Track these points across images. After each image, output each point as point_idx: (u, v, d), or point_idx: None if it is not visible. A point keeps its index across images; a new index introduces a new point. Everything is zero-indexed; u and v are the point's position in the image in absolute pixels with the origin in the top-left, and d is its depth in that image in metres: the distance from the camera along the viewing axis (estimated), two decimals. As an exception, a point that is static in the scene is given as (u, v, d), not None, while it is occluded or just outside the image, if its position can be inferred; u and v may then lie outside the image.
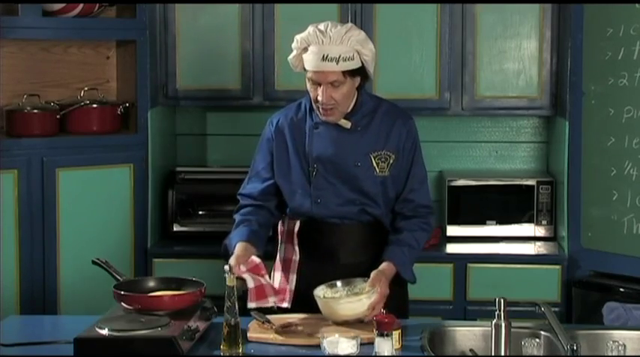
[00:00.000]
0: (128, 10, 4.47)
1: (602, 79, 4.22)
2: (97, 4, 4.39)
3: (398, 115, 3.36)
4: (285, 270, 3.39)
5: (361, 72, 3.24)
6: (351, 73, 3.19)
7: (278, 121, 3.41)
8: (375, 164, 3.30)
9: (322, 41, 3.17)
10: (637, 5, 4.10)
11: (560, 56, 4.48)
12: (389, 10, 4.54)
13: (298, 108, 3.41)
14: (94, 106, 4.40)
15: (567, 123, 4.35)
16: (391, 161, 3.31)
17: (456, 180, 4.65)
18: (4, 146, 4.10)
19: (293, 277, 3.37)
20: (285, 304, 3.29)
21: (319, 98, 3.21)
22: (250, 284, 3.09)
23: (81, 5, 4.30)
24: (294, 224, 3.38)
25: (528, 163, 4.91)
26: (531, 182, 4.61)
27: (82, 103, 4.39)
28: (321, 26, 3.19)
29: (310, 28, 3.21)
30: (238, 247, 3.22)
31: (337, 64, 3.15)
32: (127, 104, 4.47)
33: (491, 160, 4.92)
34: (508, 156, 4.92)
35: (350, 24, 3.26)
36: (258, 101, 4.61)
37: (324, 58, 3.16)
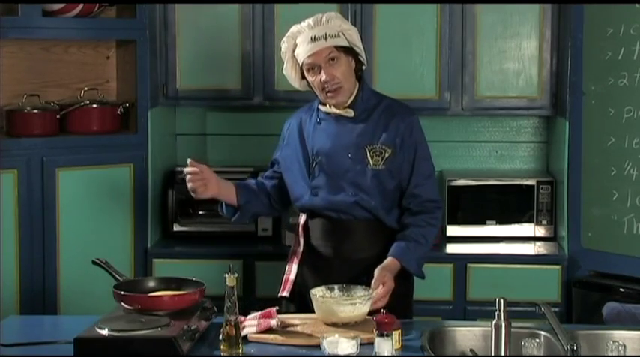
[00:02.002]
0: (128, 10, 4.47)
1: (602, 79, 4.22)
2: (97, 4, 4.39)
3: (398, 110, 3.41)
4: (291, 261, 3.47)
5: (352, 53, 3.34)
6: (343, 50, 3.31)
7: (290, 124, 3.56)
8: (369, 157, 3.35)
9: (305, 29, 3.34)
10: (637, 5, 4.10)
11: (560, 56, 4.48)
12: (389, 10, 4.54)
13: (309, 108, 3.55)
14: (94, 106, 4.41)
15: (567, 123, 4.35)
16: (386, 155, 3.34)
17: (456, 180, 4.65)
18: (4, 146, 4.10)
19: (294, 268, 3.44)
20: (285, 293, 3.40)
21: (323, 78, 3.31)
22: (253, 329, 3.06)
23: (81, 5, 4.30)
24: (301, 217, 3.48)
25: (528, 163, 4.91)
26: (531, 182, 4.61)
27: (82, 103, 4.39)
28: (299, 24, 3.39)
29: (289, 32, 3.40)
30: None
31: (326, 40, 3.30)
32: (127, 104, 4.47)
33: (491, 160, 4.93)
34: (508, 156, 4.92)
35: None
36: (258, 101, 4.61)
37: (313, 40, 3.30)
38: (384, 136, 3.36)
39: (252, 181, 3.58)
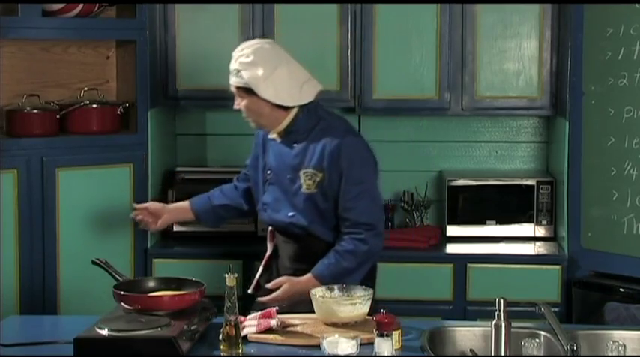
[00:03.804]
0: (128, 10, 4.47)
1: (602, 79, 4.22)
2: (97, 4, 4.39)
3: (329, 133, 3.43)
4: (261, 261, 3.64)
5: (255, 92, 3.39)
6: (243, 89, 3.39)
7: (257, 134, 3.64)
8: (302, 181, 3.43)
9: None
10: (637, 5, 4.10)
11: (560, 56, 4.48)
12: (389, 10, 4.54)
13: None
14: (94, 106, 4.40)
15: (567, 123, 4.35)
16: (317, 179, 3.40)
17: (456, 180, 4.65)
18: (4, 146, 4.10)
19: (260, 269, 3.61)
20: (250, 290, 3.62)
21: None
22: (253, 329, 3.06)
23: (81, 5, 4.30)
24: None
25: (528, 163, 4.91)
26: (531, 182, 4.61)
27: (82, 103, 4.39)
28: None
29: None
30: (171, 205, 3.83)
31: (232, 77, 3.42)
32: (127, 104, 4.47)
33: (491, 160, 4.92)
34: (508, 156, 4.91)
35: (260, 45, 3.44)
36: (258, 101, 4.60)
37: (229, 70, 3.43)
38: (314, 160, 3.41)
39: (215, 193, 3.76)
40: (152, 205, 3.78)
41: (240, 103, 3.44)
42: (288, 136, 3.46)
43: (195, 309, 3.05)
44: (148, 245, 4.48)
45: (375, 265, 3.54)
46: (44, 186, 4.18)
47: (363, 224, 3.38)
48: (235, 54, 3.42)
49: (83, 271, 4.05)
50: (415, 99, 4.58)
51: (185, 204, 3.76)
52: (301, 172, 3.42)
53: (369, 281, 3.42)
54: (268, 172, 3.53)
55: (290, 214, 3.46)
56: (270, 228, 3.59)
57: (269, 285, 3.40)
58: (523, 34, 4.53)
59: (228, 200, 3.74)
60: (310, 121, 3.44)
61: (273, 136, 3.49)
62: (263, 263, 3.61)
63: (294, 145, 3.45)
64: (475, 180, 4.66)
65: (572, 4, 4.31)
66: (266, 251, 3.61)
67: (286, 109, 3.42)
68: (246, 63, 3.37)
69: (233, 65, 3.40)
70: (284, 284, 3.36)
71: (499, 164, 4.92)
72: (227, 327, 2.82)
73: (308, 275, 3.36)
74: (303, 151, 3.43)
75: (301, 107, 3.43)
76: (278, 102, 3.38)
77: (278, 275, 3.47)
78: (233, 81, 3.41)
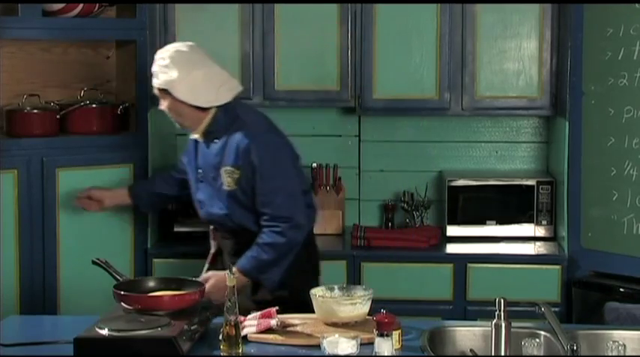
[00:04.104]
0: (128, 10, 4.47)
1: (602, 79, 4.22)
2: (97, 4, 4.39)
3: (242, 131, 3.57)
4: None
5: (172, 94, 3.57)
6: (163, 91, 3.57)
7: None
8: (223, 178, 3.60)
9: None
10: (637, 5, 4.10)
11: (560, 56, 4.48)
12: (389, 10, 4.54)
13: None
14: (94, 106, 4.40)
15: (567, 123, 4.35)
16: (236, 176, 3.57)
17: (456, 180, 4.65)
18: (4, 146, 4.10)
19: (206, 266, 3.79)
20: None
21: None
22: (253, 329, 3.06)
23: (81, 5, 4.30)
24: None
25: (528, 163, 4.91)
26: (531, 182, 4.61)
27: (82, 103, 4.38)
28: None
29: None
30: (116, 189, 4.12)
31: (153, 78, 3.60)
32: (127, 104, 4.47)
33: (491, 160, 4.92)
34: (508, 156, 4.91)
35: (177, 48, 3.61)
36: (258, 101, 4.61)
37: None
38: (231, 158, 3.58)
39: (154, 181, 4.12)
40: (93, 192, 4.07)
41: (162, 105, 3.60)
42: (209, 135, 3.62)
43: (195, 309, 3.05)
44: (148, 245, 4.48)
45: (317, 263, 3.74)
46: (44, 186, 4.18)
47: (280, 217, 3.53)
48: (156, 57, 3.61)
49: (83, 271, 4.05)
50: (415, 99, 4.58)
51: (124, 191, 4.08)
52: (222, 170, 3.59)
53: (312, 281, 3.55)
54: (199, 170, 3.71)
55: (221, 209, 3.62)
56: (211, 227, 3.78)
57: (199, 279, 3.48)
58: (523, 34, 4.53)
59: (164, 189, 4.03)
60: (228, 120, 3.60)
61: (195, 136, 3.66)
62: (209, 261, 3.79)
63: (213, 144, 3.62)
64: (475, 180, 4.66)
65: (572, 4, 4.31)
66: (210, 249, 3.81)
67: (205, 110, 3.58)
68: (162, 66, 3.55)
69: (153, 68, 3.60)
70: (210, 279, 3.50)
71: (499, 164, 4.92)
72: (227, 327, 2.82)
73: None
74: (222, 150, 3.59)
75: (220, 107, 3.60)
76: (194, 103, 3.55)
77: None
78: (154, 82, 3.60)
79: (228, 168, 3.57)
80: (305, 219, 3.62)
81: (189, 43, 3.69)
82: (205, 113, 3.58)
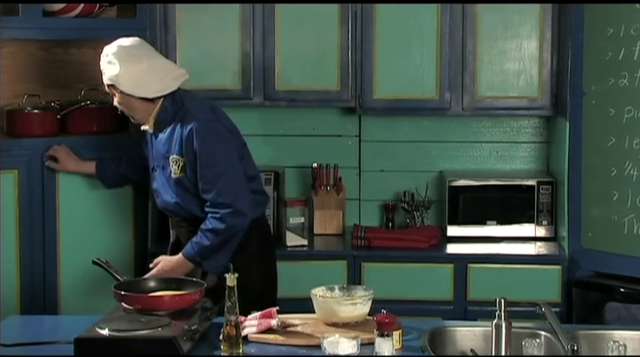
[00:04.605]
0: (128, 10, 4.47)
1: (603, 79, 4.22)
2: (97, 4, 4.38)
3: (185, 119, 3.66)
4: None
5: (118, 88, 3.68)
6: (112, 86, 3.68)
7: None
8: (171, 166, 3.69)
9: None
10: (637, 5, 4.10)
11: (561, 56, 4.48)
12: (389, 10, 4.54)
13: None
14: (94, 106, 4.40)
15: (568, 123, 4.34)
16: (181, 164, 3.66)
17: (456, 180, 4.64)
18: (4, 146, 4.10)
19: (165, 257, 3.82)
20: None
21: None
22: (253, 329, 3.06)
23: (81, 5, 4.30)
24: None
25: (529, 164, 4.91)
26: (532, 182, 4.61)
27: (82, 103, 4.38)
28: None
29: None
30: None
31: (103, 76, 3.70)
32: (127, 104, 4.46)
33: (491, 161, 4.92)
34: (508, 156, 4.91)
35: (119, 44, 3.70)
36: (258, 101, 4.61)
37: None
38: (176, 147, 3.67)
39: (121, 163, 4.17)
40: (62, 153, 4.15)
41: (114, 101, 3.73)
42: (159, 125, 3.71)
43: (195, 309, 3.05)
44: (148, 245, 4.48)
45: (268, 249, 3.82)
46: (44, 186, 4.17)
47: (220, 204, 3.60)
48: (102, 54, 3.69)
49: (83, 271, 4.06)
50: (415, 99, 4.58)
51: (91, 164, 4.16)
52: (170, 159, 3.68)
53: (258, 268, 3.69)
54: (154, 160, 3.81)
55: (172, 198, 3.72)
56: (171, 217, 3.87)
57: (151, 265, 3.73)
58: (523, 34, 4.53)
59: (128, 172, 4.17)
60: (175, 109, 3.69)
61: (146, 127, 3.75)
62: (169, 250, 3.87)
63: (161, 134, 3.71)
64: (476, 180, 4.65)
65: (573, 4, 4.31)
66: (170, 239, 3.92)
67: (153, 100, 3.67)
68: (106, 62, 3.66)
69: (102, 63, 3.68)
70: (159, 263, 3.70)
71: (499, 164, 4.91)
72: (227, 327, 2.82)
73: (179, 254, 3.67)
74: (169, 139, 3.68)
75: (166, 97, 3.68)
76: (141, 95, 3.65)
77: None
78: (103, 79, 3.70)
79: (175, 156, 3.66)
80: (248, 206, 3.65)
81: (134, 38, 3.75)
82: (154, 104, 3.68)
